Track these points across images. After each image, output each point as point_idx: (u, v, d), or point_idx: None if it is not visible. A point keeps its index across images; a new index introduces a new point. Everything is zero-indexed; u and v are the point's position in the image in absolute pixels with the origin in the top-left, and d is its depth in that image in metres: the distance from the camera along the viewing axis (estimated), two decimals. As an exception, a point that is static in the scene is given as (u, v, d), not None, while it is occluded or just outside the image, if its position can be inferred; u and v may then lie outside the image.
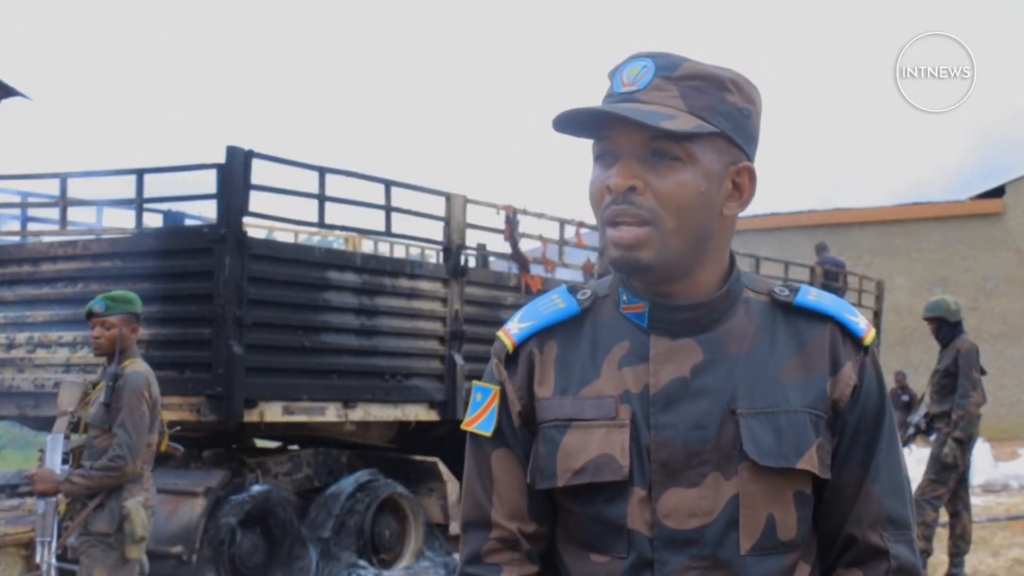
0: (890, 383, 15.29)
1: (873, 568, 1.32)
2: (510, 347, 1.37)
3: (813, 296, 1.36)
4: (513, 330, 1.39)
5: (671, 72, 1.27)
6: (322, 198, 6.45)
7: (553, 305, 1.39)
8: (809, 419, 1.30)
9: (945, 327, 6.55)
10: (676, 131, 1.24)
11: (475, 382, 1.42)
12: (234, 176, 5.90)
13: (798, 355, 1.33)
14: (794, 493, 1.29)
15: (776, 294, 1.36)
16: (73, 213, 7.70)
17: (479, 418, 1.38)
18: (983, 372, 6.58)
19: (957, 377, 6.42)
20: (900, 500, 1.35)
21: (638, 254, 1.26)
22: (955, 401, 6.40)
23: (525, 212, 7.91)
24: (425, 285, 7.08)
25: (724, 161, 1.30)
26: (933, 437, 6.74)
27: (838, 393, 1.33)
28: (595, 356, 1.34)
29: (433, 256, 9.64)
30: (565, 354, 1.35)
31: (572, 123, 1.29)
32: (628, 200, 1.26)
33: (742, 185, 1.33)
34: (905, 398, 14.90)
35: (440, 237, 7.39)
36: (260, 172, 7.16)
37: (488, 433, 1.37)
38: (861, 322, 1.36)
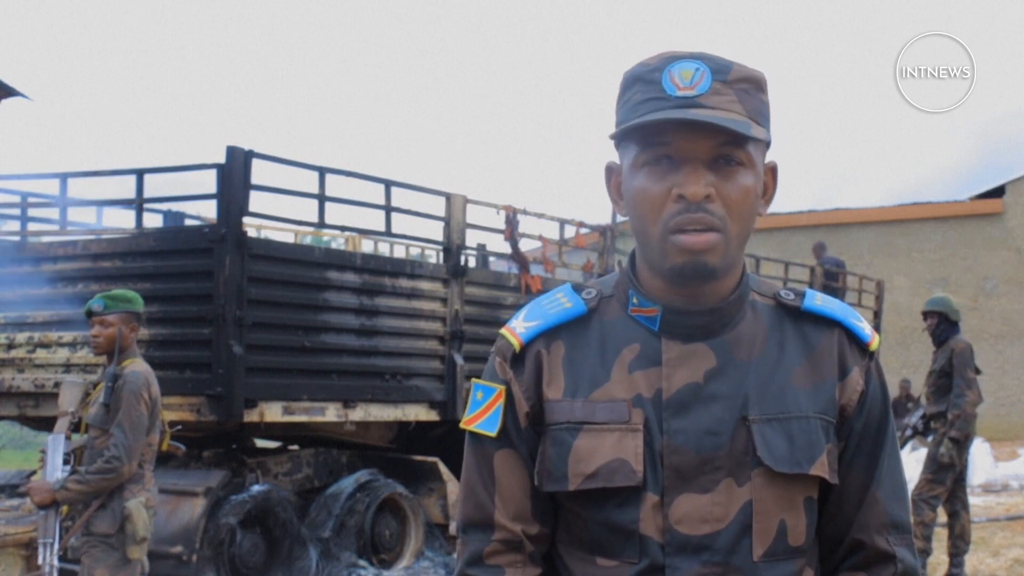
0: (895, 390, 15.31)
1: (880, 572, 1.33)
2: (517, 346, 1.35)
3: (820, 301, 1.36)
4: (519, 329, 1.36)
5: (725, 76, 1.26)
6: (322, 198, 6.46)
7: (559, 304, 1.36)
8: (820, 425, 1.30)
9: (944, 324, 6.57)
10: (759, 137, 1.24)
11: (475, 380, 1.39)
12: (234, 176, 5.90)
13: (807, 360, 1.32)
14: (804, 499, 1.30)
15: (782, 298, 1.36)
16: (73, 213, 7.71)
17: (480, 417, 1.36)
18: (978, 371, 6.59)
19: (952, 377, 6.44)
20: (902, 505, 1.36)
21: (707, 259, 1.25)
22: (951, 401, 6.42)
23: (525, 212, 7.91)
24: (425, 285, 7.08)
25: (762, 161, 1.31)
26: (931, 438, 6.75)
27: (846, 399, 1.33)
28: (604, 358, 1.32)
29: (433, 256, 9.64)
30: (573, 355, 1.33)
31: (632, 131, 1.27)
32: (702, 208, 1.24)
33: (768, 184, 1.34)
34: (910, 406, 14.89)
35: (440, 237, 7.39)
36: (260, 172, 7.18)
37: (492, 433, 1.34)
38: (867, 328, 1.36)
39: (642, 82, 1.27)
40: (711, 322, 1.30)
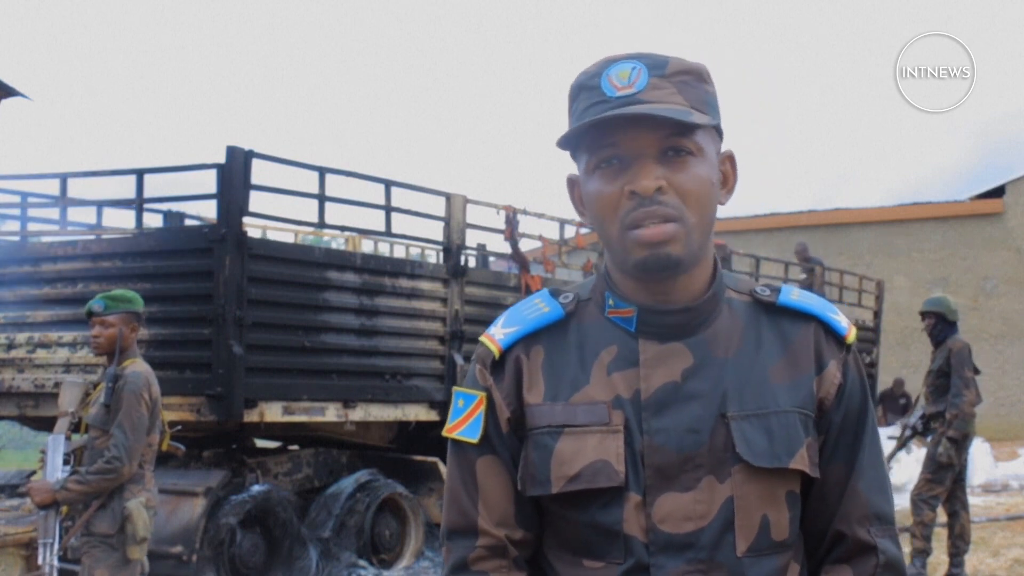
0: (888, 384, 15.31)
1: (862, 563, 1.34)
2: (496, 353, 1.35)
3: (796, 296, 1.37)
4: (498, 335, 1.36)
5: (663, 70, 1.27)
6: (322, 198, 6.46)
7: (537, 309, 1.37)
8: (799, 419, 1.31)
9: (942, 324, 6.58)
10: (702, 123, 1.24)
11: (456, 388, 1.39)
12: (234, 176, 5.91)
13: (784, 356, 1.33)
14: (786, 493, 1.30)
15: (758, 294, 1.37)
16: (73, 213, 7.71)
17: (462, 424, 1.36)
18: (977, 371, 6.59)
19: (951, 377, 6.44)
20: (884, 496, 1.37)
21: (668, 250, 1.25)
22: (949, 400, 6.43)
23: (525, 212, 7.92)
24: (425, 285, 7.09)
25: (715, 150, 1.32)
26: (930, 438, 6.75)
27: (824, 392, 1.34)
28: (583, 361, 1.33)
29: (433, 256, 9.65)
30: (552, 359, 1.34)
31: (576, 136, 1.28)
32: (656, 201, 1.25)
33: (727, 173, 1.36)
34: (903, 401, 14.93)
35: (440, 237, 7.40)
36: (260, 172, 7.18)
37: (474, 440, 1.35)
38: (843, 320, 1.37)
39: (584, 90, 1.29)
40: (687, 321, 1.31)
